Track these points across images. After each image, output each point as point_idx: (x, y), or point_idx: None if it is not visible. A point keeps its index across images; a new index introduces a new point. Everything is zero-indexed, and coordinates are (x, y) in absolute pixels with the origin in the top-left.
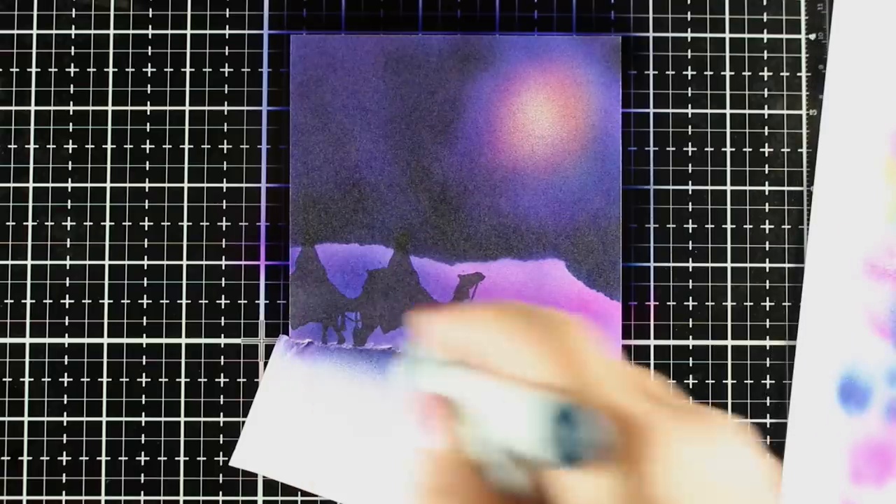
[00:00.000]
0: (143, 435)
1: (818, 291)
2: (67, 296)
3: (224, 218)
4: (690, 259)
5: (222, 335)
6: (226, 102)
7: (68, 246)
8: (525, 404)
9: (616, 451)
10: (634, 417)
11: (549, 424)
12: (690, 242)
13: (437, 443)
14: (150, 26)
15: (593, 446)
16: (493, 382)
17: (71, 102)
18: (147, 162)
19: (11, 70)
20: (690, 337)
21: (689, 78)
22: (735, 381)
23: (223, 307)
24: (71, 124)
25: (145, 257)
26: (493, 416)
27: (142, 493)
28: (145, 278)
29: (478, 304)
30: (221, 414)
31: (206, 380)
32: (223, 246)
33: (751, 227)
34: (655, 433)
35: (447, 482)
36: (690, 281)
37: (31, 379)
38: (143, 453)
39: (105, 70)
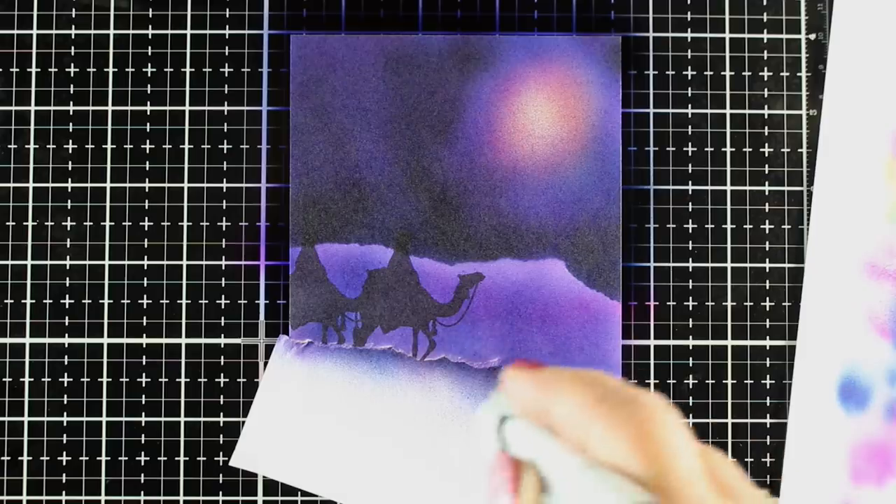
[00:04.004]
0: (143, 435)
1: (818, 291)
2: (67, 296)
3: (224, 218)
4: (690, 259)
5: (222, 335)
6: (226, 102)
7: (68, 246)
8: (609, 495)
9: None
10: None
11: None
12: (690, 242)
13: None
14: (150, 26)
15: None
16: (579, 461)
17: (71, 102)
18: (147, 162)
19: (11, 70)
20: (690, 337)
21: (689, 78)
22: (735, 381)
23: (223, 307)
24: (71, 124)
25: (145, 257)
26: (573, 494)
27: (142, 493)
28: (145, 278)
29: (566, 370)
30: (221, 414)
31: (206, 380)
32: (223, 246)
33: (751, 227)
34: None
35: None
36: (690, 281)
37: (31, 379)
38: (143, 453)
39: (105, 70)
